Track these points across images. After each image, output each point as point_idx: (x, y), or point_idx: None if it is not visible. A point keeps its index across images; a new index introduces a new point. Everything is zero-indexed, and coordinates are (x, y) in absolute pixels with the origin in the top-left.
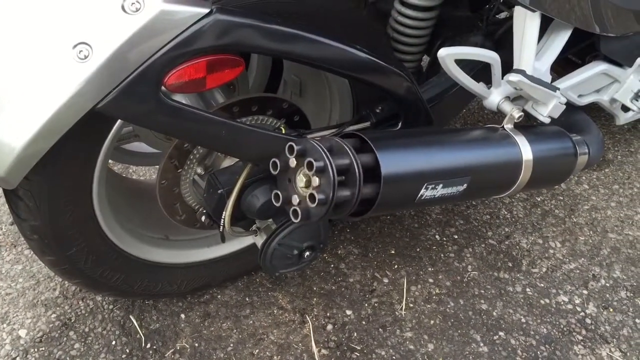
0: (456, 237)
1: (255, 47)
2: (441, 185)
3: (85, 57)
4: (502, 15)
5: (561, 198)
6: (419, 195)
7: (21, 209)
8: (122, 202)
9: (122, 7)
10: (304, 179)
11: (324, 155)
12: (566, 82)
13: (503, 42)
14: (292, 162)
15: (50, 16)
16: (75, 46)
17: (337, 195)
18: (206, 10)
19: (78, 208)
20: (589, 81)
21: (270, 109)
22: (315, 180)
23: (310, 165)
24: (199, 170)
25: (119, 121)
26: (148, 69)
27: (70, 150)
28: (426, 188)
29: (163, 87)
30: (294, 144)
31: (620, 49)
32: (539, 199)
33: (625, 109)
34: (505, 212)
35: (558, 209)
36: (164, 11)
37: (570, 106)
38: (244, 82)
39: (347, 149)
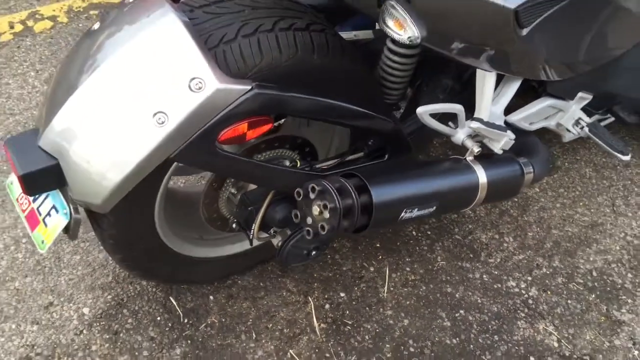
0: (429, 233)
1: (283, 111)
2: (416, 209)
3: (163, 122)
4: None
5: (516, 200)
6: (400, 217)
7: (104, 222)
8: (170, 212)
9: (189, 87)
10: (318, 209)
11: (336, 200)
12: (519, 115)
13: (469, 82)
14: (312, 196)
15: (138, 92)
16: (155, 114)
17: (340, 225)
18: (248, 87)
19: (143, 219)
20: (538, 113)
21: (288, 143)
22: (327, 215)
23: (325, 207)
24: (233, 190)
25: None
26: (207, 130)
27: (144, 180)
28: (405, 212)
29: (217, 142)
30: (316, 186)
31: (563, 88)
32: None
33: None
34: (470, 212)
35: (513, 209)
36: (219, 89)
37: (523, 130)
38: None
39: (352, 191)
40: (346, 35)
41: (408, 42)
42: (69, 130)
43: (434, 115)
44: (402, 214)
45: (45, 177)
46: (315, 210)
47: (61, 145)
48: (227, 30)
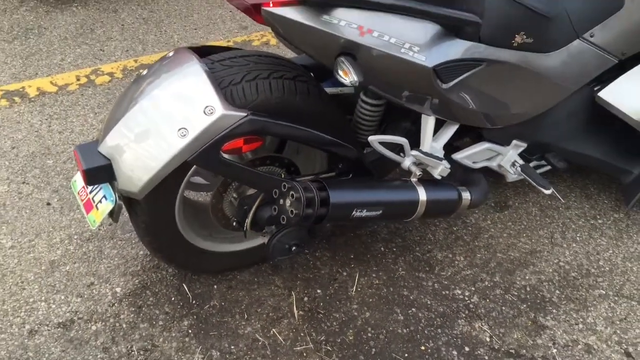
0: (395, 249)
1: (270, 134)
2: (365, 211)
3: (184, 135)
4: None
5: (470, 228)
6: (352, 215)
7: (138, 209)
8: (187, 211)
9: (204, 111)
10: (289, 201)
11: (301, 192)
12: (462, 154)
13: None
14: (283, 190)
15: (169, 114)
16: (179, 129)
17: (305, 212)
18: (245, 114)
19: (167, 211)
20: (478, 154)
21: (277, 162)
22: (294, 204)
23: (292, 196)
24: (234, 195)
25: None
26: (214, 142)
27: (168, 177)
28: (355, 211)
29: (221, 151)
30: (286, 184)
31: (499, 135)
32: (455, 228)
33: None
34: (431, 236)
35: (467, 236)
36: (224, 114)
37: (469, 168)
38: (262, 146)
39: (314, 189)
40: (333, 90)
41: (350, 84)
42: (119, 141)
43: (390, 148)
44: (354, 212)
45: (101, 172)
46: (287, 202)
47: (113, 152)
48: (235, 76)
